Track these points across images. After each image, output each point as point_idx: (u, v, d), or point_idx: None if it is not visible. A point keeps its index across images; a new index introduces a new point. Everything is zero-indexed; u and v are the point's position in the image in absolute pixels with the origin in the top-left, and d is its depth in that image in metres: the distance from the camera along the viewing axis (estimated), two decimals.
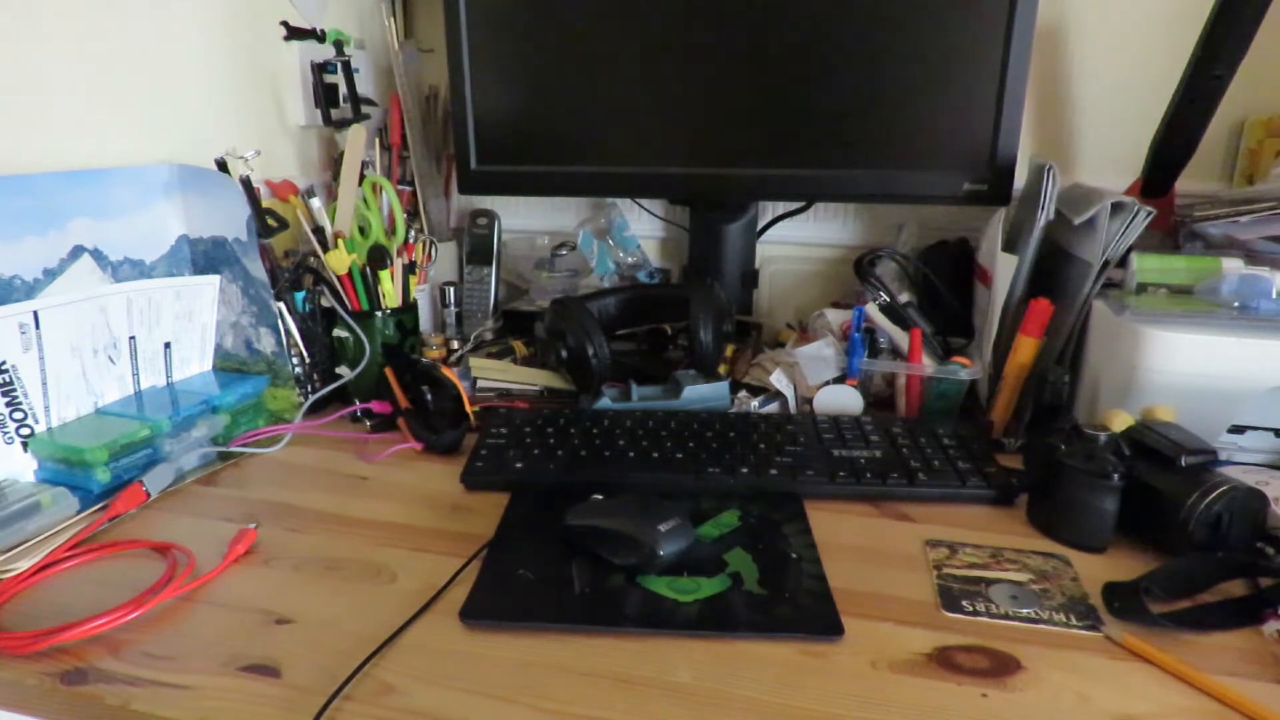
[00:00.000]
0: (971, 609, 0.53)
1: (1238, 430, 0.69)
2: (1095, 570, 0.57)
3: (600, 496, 0.61)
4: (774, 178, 0.92)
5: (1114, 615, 0.52)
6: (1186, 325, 0.65)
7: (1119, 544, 0.60)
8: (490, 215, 1.08)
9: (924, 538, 0.61)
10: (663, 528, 0.56)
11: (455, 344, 0.97)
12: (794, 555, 0.58)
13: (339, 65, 0.98)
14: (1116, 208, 0.72)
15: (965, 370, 0.78)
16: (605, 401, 0.81)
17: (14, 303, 0.65)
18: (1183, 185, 0.86)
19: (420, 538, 0.62)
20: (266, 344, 0.82)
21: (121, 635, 0.50)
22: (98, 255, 0.73)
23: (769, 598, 0.53)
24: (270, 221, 0.85)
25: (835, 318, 0.88)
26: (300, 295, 0.86)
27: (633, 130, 0.94)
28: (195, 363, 0.83)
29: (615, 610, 0.52)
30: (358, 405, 0.83)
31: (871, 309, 0.83)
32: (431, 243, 0.99)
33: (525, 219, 1.14)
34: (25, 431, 0.67)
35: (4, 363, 0.64)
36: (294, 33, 0.97)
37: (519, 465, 0.69)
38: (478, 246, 1.08)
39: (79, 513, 0.64)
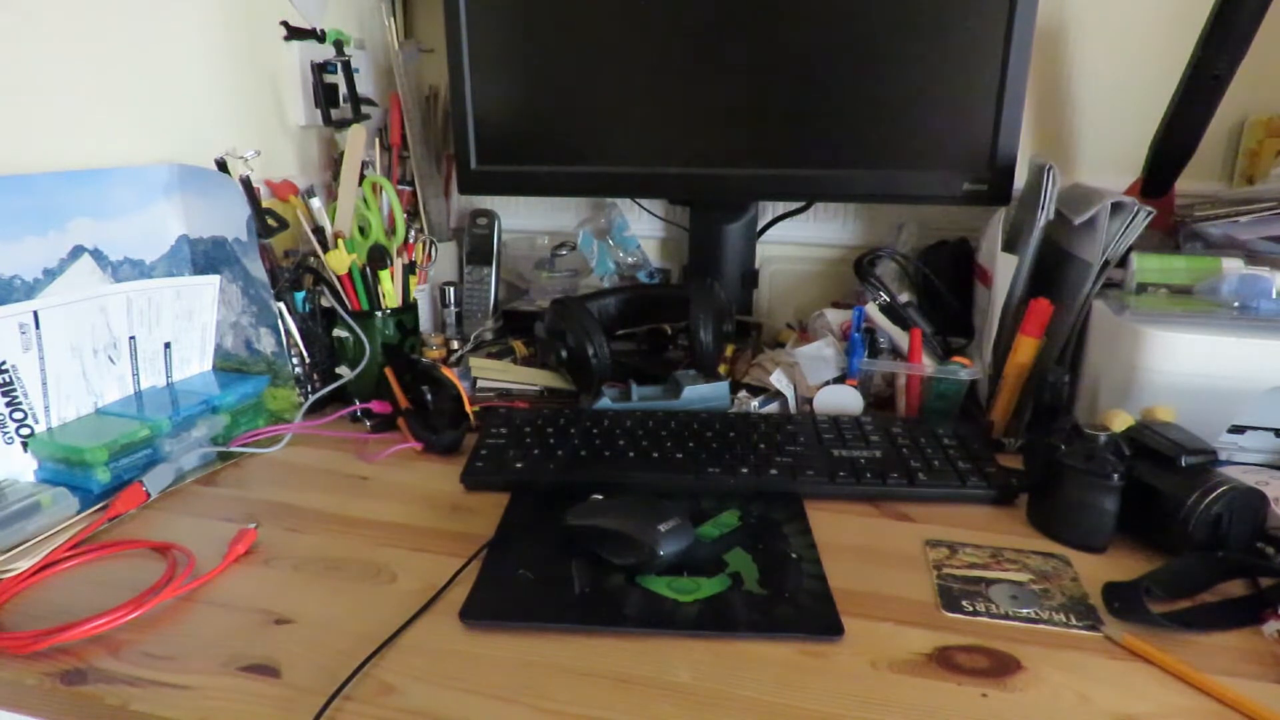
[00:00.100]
0: (971, 609, 0.53)
1: (1238, 430, 0.69)
2: (1095, 570, 0.57)
3: (600, 496, 0.61)
4: (774, 178, 0.92)
5: (1114, 615, 0.52)
6: (1186, 325, 0.65)
7: (1119, 544, 0.60)
8: (490, 215, 1.08)
9: (924, 538, 0.61)
10: (663, 528, 0.56)
11: (455, 344, 0.97)
12: (794, 555, 0.58)
13: (339, 65, 0.98)
14: (1116, 208, 0.72)
15: (965, 370, 0.78)
16: (605, 401, 0.81)
17: (14, 303, 0.65)
18: (1183, 185, 0.86)
19: (420, 538, 0.62)
20: (266, 344, 0.82)
21: (121, 635, 0.50)
22: (98, 255, 0.73)
23: (769, 598, 0.53)
24: (270, 221, 0.85)
25: (835, 318, 0.88)
26: (300, 295, 0.86)
27: (633, 130, 0.94)
28: (195, 363, 0.83)
29: (615, 610, 0.52)
30: (358, 405, 0.83)
31: (871, 309, 0.83)
32: (431, 243, 0.99)
33: (525, 219, 1.14)
34: (25, 431, 0.67)
35: (4, 363, 0.64)
36: (294, 33, 0.97)
37: (519, 465, 0.69)
38: (478, 246, 1.08)
39: (79, 513, 0.64)
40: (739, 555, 0.58)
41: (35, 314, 0.66)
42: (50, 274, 0.69)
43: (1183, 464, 0.58)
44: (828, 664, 0.48)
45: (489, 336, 1.00)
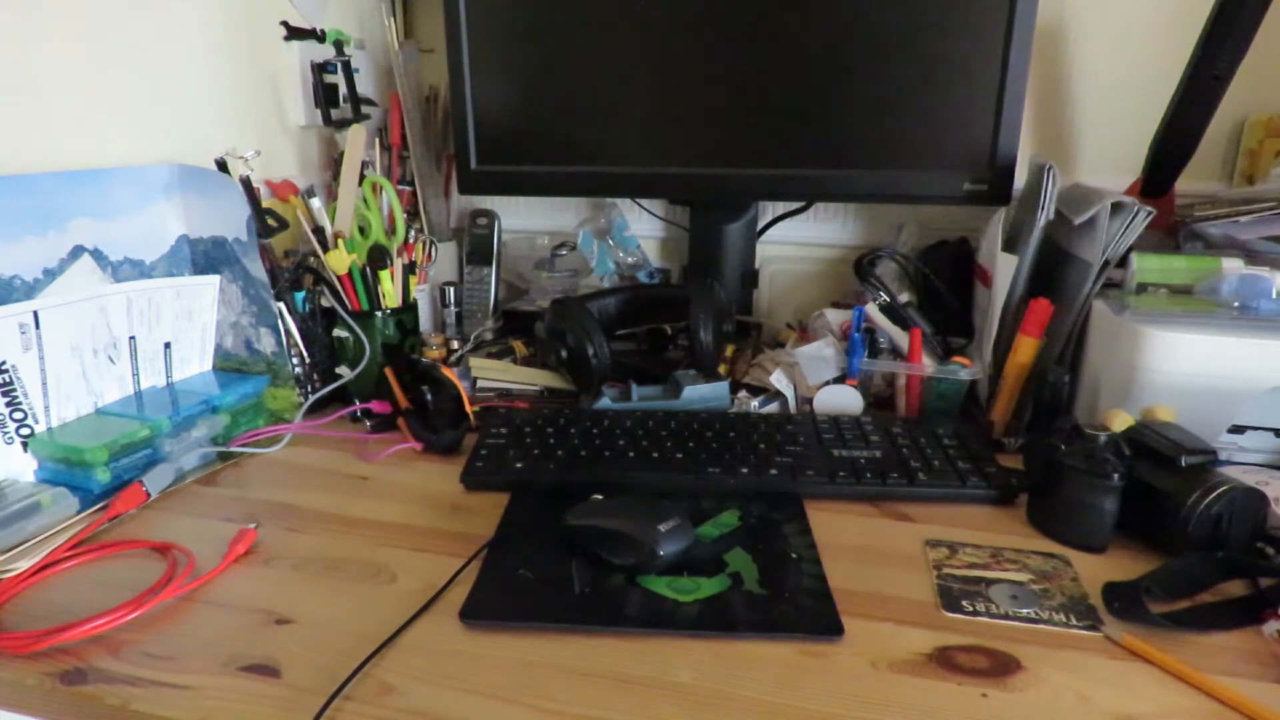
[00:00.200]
0: (971, 609, 0.53)
1: (1238, 430, 0.69)
2: (1095, 570, 0.57)
3: (600, 496, 0.61)
4: (774, 178, 0.92)
5: (1114, 615, 0.52)
6: (1186, 325, 0.65)
7: (1119, 544, 0.60)
8: (490, 215, 1.08)
9: (924, 538, 0.61)
10: (663, 528, 0.56)
11: (455, 344, 0.97)
12: (794, 555, 0.58)
13: (339, 65, 0.98)
14: (1116, 208, 0.72)
15: (965, 370, 0.78)
16: (605, 401, 0.81)
17: (14, 303, 0.65)
18: (1183, 185, 0.86)
19: (420, 538, 0.62)
20: (266, 344, 0.82)
21: (121, 635, 0.50)
22: (98, 255, 0.73)
23: (769, 598, 0.53)
24: (270, 221, 0.85)
25: (835, 318, 0.88)
26: (300, 295, 0.86)
27: (633, 130, 0.94)
28: (195, 363, 0.83)
29: (615, 610, 0.52)
30: (358, 405, 0.83)
31: (871, 309, 0.83)
32: (431, 243, 0.99)
33: (525, 219, 1.14)
34: (25, 431, 0.67)
35: (4, 363, 0.64)
36: (294, 33, 0.97)
37: (519, 465, 0.69)
38: (478, 246, 1.08)
39: (79, 513, 0.64)
40: (739, 555, 0.58)
41: (35, 314, 0.66)
42: (50, 274, 0.69)
43: (1183, 464, 0.58)
44: (828, 664, 0.48)
45: (489, 336, 1.00)
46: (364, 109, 1.00)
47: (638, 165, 0.95)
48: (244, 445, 0.76)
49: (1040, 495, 0.63)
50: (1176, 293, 0.74)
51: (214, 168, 0.82)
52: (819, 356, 0.82)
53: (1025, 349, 0.75)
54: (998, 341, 0.78)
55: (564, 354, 0.82)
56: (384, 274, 0.87)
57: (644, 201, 1.09)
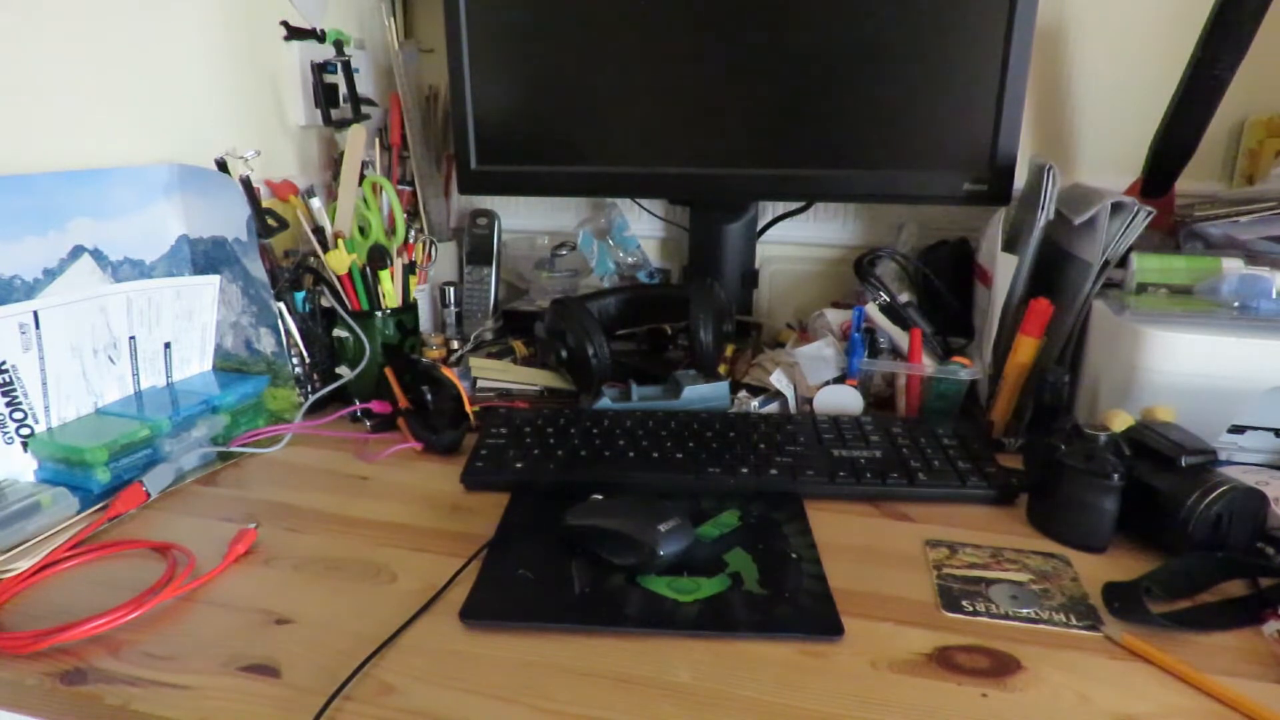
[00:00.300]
0: (971, 609, 0.53)
1: (1238, 430, 0.69)
2: (1095, 570, 0.57)
3: (600, 496, 0.61)
4: (774, 178, 0.92)
5: (1114, 615, 0.52)
6: (1186, 325, 0.65)
7: (1119, 544, 0.60)
8: (490, 215, 1.08)
9: (924, 538, 0.61)
10: (663, 528, 0.56)
11: (455, 344, 0.97)
12: (794, 555, 0.58)
13: (339, 65, 0.98)
14: (1116, 208, 0.72)
15: (965, 370, 0.78)
16: (605, 401, 0.81)
17: (14, 303, 0.65)
18: (1183, 185, 0.86)
19: (420, 538, 0.62)
20: (266, 344, 0.82)
21: (121, 635, 0.50)
22: (98, 255, 0.73)
23: (769, 598, 0.53)
24: (270, 221, 0.85)
25: (835, 318, 0.88)
26: (300, 295, 0.86)
27: (633, 130, 0.94)
28: (195, 363, 0.83)
29: (615, 610, 0.52)
30: (358, 405, 0.83)
31: (871, 309, 0.83)
32: (431, 243, 0.99)
33: (525, 219, 1.14)
34: (25, 431, 0.67)
35: (4, 363, 0.64)
36: (294, 33, 0.97)
37: (519, 465, 0.69)
38: (478, 246, 1.08)
39: (79, 513, 0.64)
40: (739, 555, 0.58)
41: (35, 314, 0.66)
42: (50, 274, 0.69)
43: (1183, 464, 0.58)
44: (828, 664, 0.48)
45: (489, 336, 1.00)
46: (364, 109, 1.00)
47: (638, 165, 0.95)
48: (244, 445, 0.76)
49: (1040, 495, 0.63)
50: (1176, 293, 0.74)
51: (214, 168, 0.82)
52: (819, 356, 0.82)
53: (1025, 349, 0.75)
54: (998, 341, 0.78)
55: (564, 354, 0.82)
56: (384, 274, 0.87)
57: (644, 201, 1.09)
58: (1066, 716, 0.44)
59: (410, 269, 0.91)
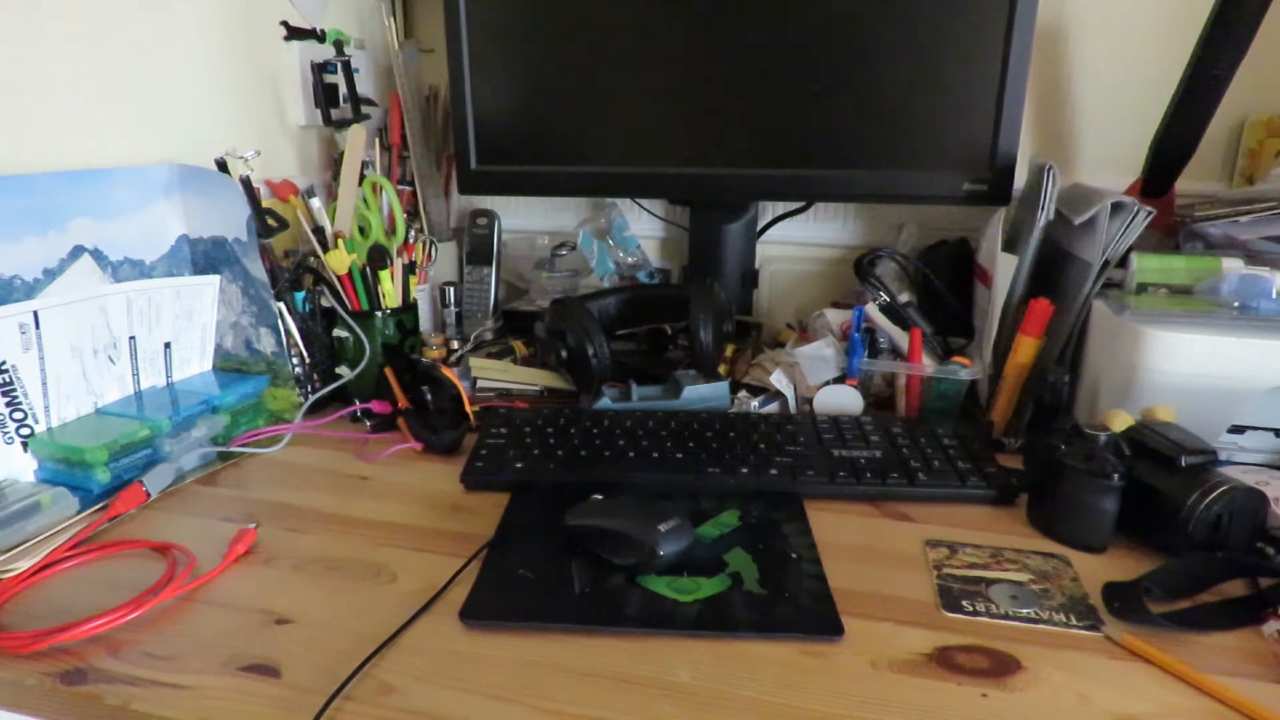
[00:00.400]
0: (971, 609, 0.53)
1: (1238, 430, 0.69)
2: (1095, 570, 0.57)
3: (600, 496, 0.61)
4: (774, 178, 0.92)
5: (1114, 615, 0.52)
6: (1186, 325, 0.65)
7: (1119, 544, 0.60)
8: (490, 215, 1.08)
9: (924, 538, 0.61)
10: (663, 528, 0.56)
11: (455, 344, 0.97)
12: (794, 555, 0.58)
13: (339, 65, 0.98)
14: (1116, 208, 0.72)
15: (965, 370, 0.78)
16: (605, 401, 0.81)
17: (14, 303, 0.65)
18: (1183, 185, 0.86)
19: (420, 538, 0.62)
20: (266, 344, 0.82)
21: (121, 635, 0.50)
22: (98, 255, 0.73)
23: (769, 598, 0.53)
24: (270, 221, 0.85)
25: (835, 318, 0.88)
26: (300, 295, 0.86)
27: (633, 130, 0.94)
28: (195, 363, 0.83)
29: (615, 610, 0.52)
30: (358, 405, 0.83)
31: (871, 309, 0.83)
32: (431, 243, 0.99)
33: (525, 219, 1.14)
34: (25, 431, 0.67)
35: (4, 363, 0.64)
36: (294, 33, 0.97)
37: (519, 465, 0.69)
38: (478, 246, 1.08)
39: (79, 513, 0.64)
40: (739, 555, 0.58)
41: (35, 314, 0.66)
42: (50, 274, 0.69)
43: (1183, 464, 0.58)
44: (828, 664, 0.48)
45: (489, 336, 1.00)
46: (364, 109, 1.00)
47: (638, 165, 0.95)
48: (244, 445, 0.76)
49: (1040, 495, 0.63)
50: (1176, 293, 0.74)
51: (214, 168, 0.82)
52: (819, 356, 0.82)
53: (1025, 349, 0.75)
54: (998, 341, 0.78)
55: (564, 354, 0.82)
56: (384, 274, 0.87)
57: (644, 201, 1.09)
58: (1066, 716, 0.44)
59: (410, 269, 0.91)
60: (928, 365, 0.80)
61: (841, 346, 0.83)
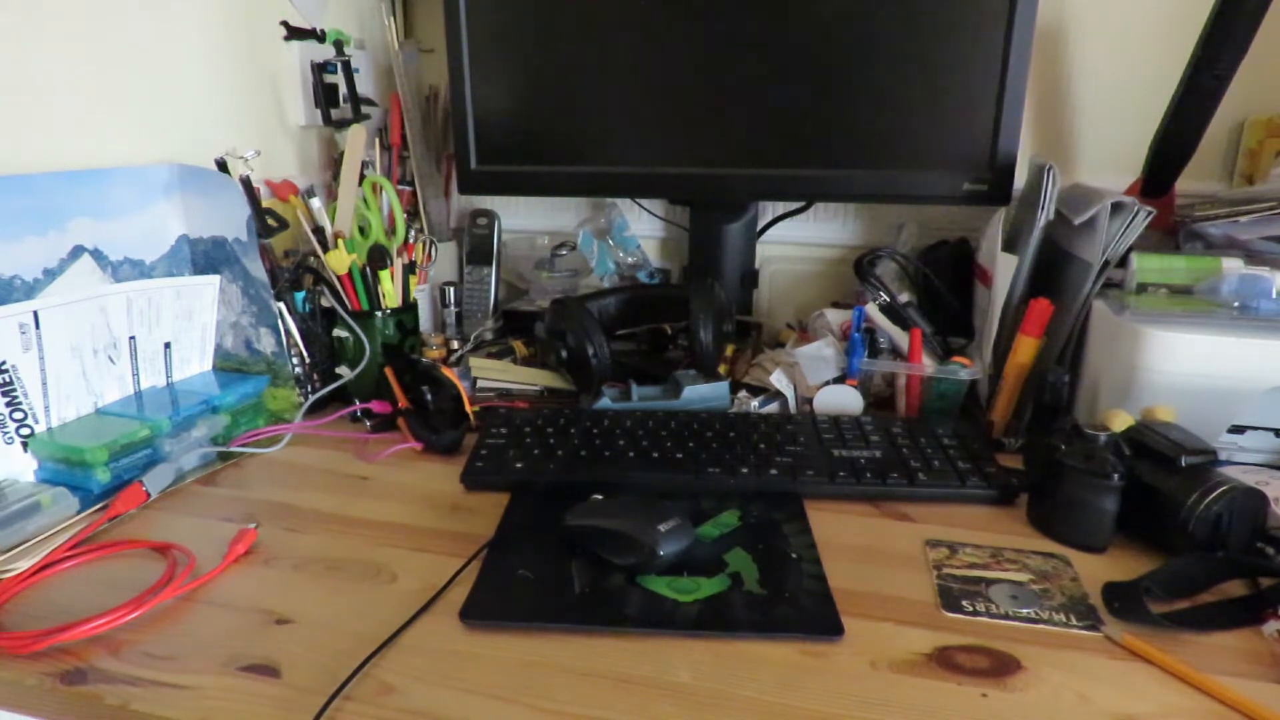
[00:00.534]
0: (971, 609, 0.53)
1: (1238, 430, 0.69)
2: (1095, 570, 0.57)
3: (600, 496, 0.61)
4: (774, 178, 0.92)
5: (1114, 615, 0.52)
6: (1186, 325, 0.65)
7: (1119, 544, 0.60)
8: (490, 215, 1.08)
9: (924, 538, 0.61)
10: (663, 528, 0.56)
11: (455, 344, 0.97)
12: (794, 555, 0.58)
13: (339, 65, 0.98)
14: (1116, 208, 0.72)
15: (965, 370, 0.78)
16: (605, 401, 0.81)
17: (14, 303, 0.65)
18: (1183, 185, 0.86)
19: (420, 538, 0.62)
20: (266, 344, 0.82)
21: (121, 635, 0.50)
22: (98, 255, 0.73)
23: (769, 598, 0.53)
24: (270, 221, 0.85)
25: (835, 318, 0.88)
26: (300, 295, 0.86)
27: (633, 130, 0.94)
28: (195, 363, 0.83)
29: (615, 610, 0.52)
30: (358, 405, 0.83)
31: (871, 309, 0.83)
32: (431, 243, 0.99)
33: (525, 219, 1.14)
34: (25, 431, 0.67)
35: (4, 363, 0.64)
36: (294, 33, 0.97)
37: (519, 465, 0.69)
38: (478, 246, 1.08)
39: (79, 513, 0.64)
40: (739, 555, 0.58)
41: (35, 314, 0.66)
42: (50, 274, 0.69)
43: (1183, 464, 0.58)
44: (828, 664, 0.48)
45: (489, 336, 1.00)
46: (364, 109, 1.00)
47: (638, 165, 0.95)
48: (244, 445, 0.76)
49: (1040, 495, 0.63)
50: (1176, 293, 0.74)
51: (214, 168, 0.82)
52: (819, 356, 0.82)
53: (1025, 349, 0.75)
54: (998, 341, 0.78)
55: (564, 354, 0.82)
56: (384, 274, 0.87)
57: (644, 201, 1.09)
58: (1066, 716, 0.44)
59: (410, 269, 0.91)
60: (928, 365, 0.80)
61: (841, 346, 0.83)
